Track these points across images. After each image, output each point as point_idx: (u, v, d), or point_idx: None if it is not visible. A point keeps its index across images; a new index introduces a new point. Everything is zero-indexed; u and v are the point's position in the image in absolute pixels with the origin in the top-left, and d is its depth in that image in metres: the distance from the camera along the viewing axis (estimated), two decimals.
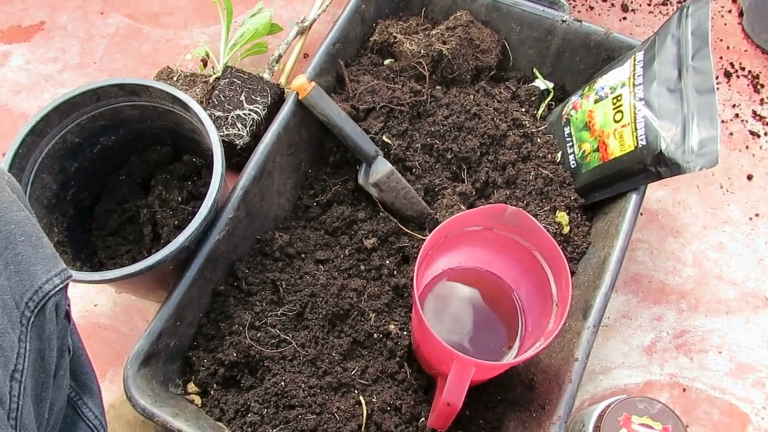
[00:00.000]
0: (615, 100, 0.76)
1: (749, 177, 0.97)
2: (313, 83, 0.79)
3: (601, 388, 0.84)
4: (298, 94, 0.80)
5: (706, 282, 0.90)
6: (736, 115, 1.01)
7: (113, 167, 0.86)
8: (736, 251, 0.92)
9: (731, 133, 1.00)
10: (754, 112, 1.01)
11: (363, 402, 0.71)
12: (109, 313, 0.88)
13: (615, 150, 0.75)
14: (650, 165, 0.71)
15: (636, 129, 0.72)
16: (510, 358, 0.72)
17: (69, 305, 0.51)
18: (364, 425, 0.70)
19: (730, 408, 0.83)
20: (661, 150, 0.69)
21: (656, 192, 0.96)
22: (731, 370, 0.85)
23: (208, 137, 0.72)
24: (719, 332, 0.87)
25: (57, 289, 0.45)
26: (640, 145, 0.72)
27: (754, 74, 1.04)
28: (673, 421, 0.68)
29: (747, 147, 0.99)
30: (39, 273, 0.44)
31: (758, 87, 1.03)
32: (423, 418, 0.72)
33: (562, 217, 0.81)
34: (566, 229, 0.81)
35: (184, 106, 0.74)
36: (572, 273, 0.80)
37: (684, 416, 0.82)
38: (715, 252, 0.92)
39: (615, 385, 0.84)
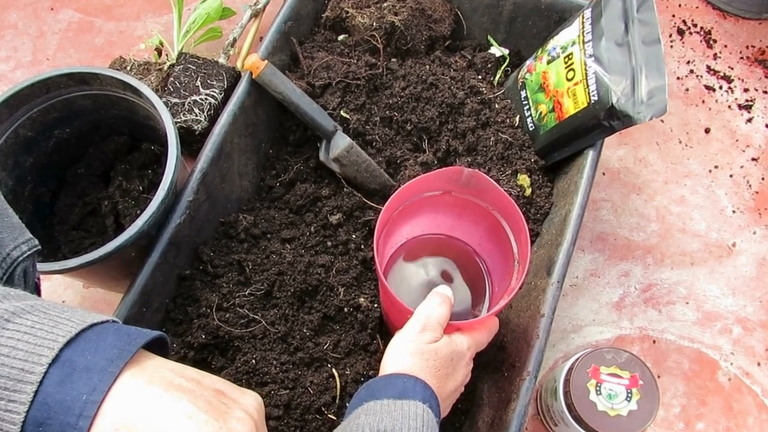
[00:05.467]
0: (566, 59, 0.76)
1: (707, 130, 0.98)
2: (266, 61, 0.79)
3: (574, 346, 0.85)
4: (251, 73, 0.80)
5: (670, 235, 0.91)
6: (691, 71, 1.02)
7: (71, 160, 0.85)
8: (698, 204, 0.93)
9: (687, 89, 1.01)
10: (708, 67, 1.02)
11: (336, 375, 0.72)
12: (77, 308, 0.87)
13: (569, 108, 0.76)
14: (603, 119, 0.72)
15: (588, 85, 0.73)
16: None
17: (39, 278, 0.51)
18: (338, 397, 0.71)
19: (700, 356, 0.85)
20: (612, 104, 0.70)
21: (617, 151, 0.97)
22: (698, 319, 0.86)
23: (162, 121, 0.71)
24: (685, 283, 0.88)
25: (24, 255, 0.45)
26: (592, 101, 0.72)
27: (706, 30, 1.05)
28: (641, 368, 0.69)
29: (703, 101, 1.00)
30: (6, 241, 0.44)
31: (711, 42, 1.04)
32: None
33: (524, 179, 0.82)
34: (528, 192, 0.81)
35: (136, 91, 0.74)
36: (537, 234, 0.81)
37: (655, 367, 0.83)
38: (678, 206, 0.93)
39: (587, 342, 0.85)
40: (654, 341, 0.85)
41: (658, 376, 0.83)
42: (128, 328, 0.38)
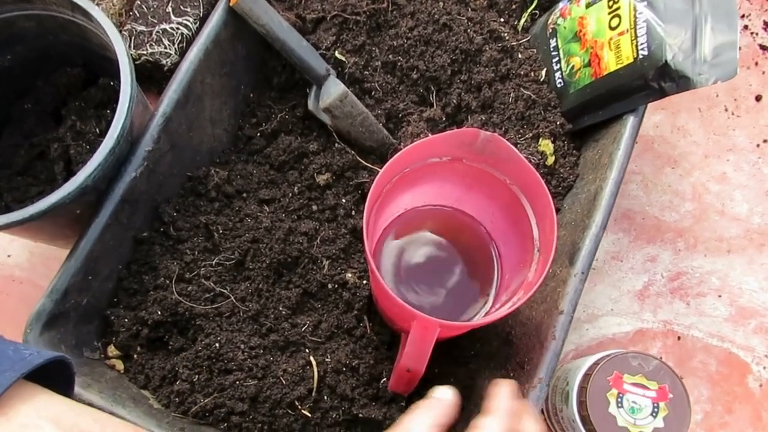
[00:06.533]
0: (611, 3, 0.63)
1: (758, 98, 0.85)
2: None
3: (587, 338, 0.75)
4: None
5: (707, 218, 0.80)
6: (745, 27, 0.88)
7: (16, 94, 0.73)
8: (741, 182, 0.81)
9: (739, 48, 0.87)
10: (766, 23, 0.88)
11: (314, 362, 0.62)
12: (25, 264, 0.76)
13: (610, 63, 0.63)
14: (652, 80, 0.59)
15: (636, 36, 0.60)
16: (483, 312, 0.62)
17: None
18: (315, 389, 0.61)
19: (729, 357, 0.75)
20: (666, 61, 0.57)
21: (653, 116, 0.84)
22: (731, 315, 0.76)
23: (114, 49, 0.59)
24: (719, 273, 0.78)
25: None
26: (640, 56, 0.60)
27: None
28: (671, 379, 0.59)
29: (756, 64, 0.87)
30: None
31: None
32: (384, 379, 0.63)
33: (546, 145, 0.70)
34: (551, 160, 0.69)
35: (86, 14, 0.60)
36: (558, 210, 0.69)
37: (678, 367, 0.74)
38: (717, 184, 0.81)
39: (602, 335, 0.75)
40: (679, 337, 0.75)
41: (681, 378, 0.73)
42: (3, 348, 0.27)
